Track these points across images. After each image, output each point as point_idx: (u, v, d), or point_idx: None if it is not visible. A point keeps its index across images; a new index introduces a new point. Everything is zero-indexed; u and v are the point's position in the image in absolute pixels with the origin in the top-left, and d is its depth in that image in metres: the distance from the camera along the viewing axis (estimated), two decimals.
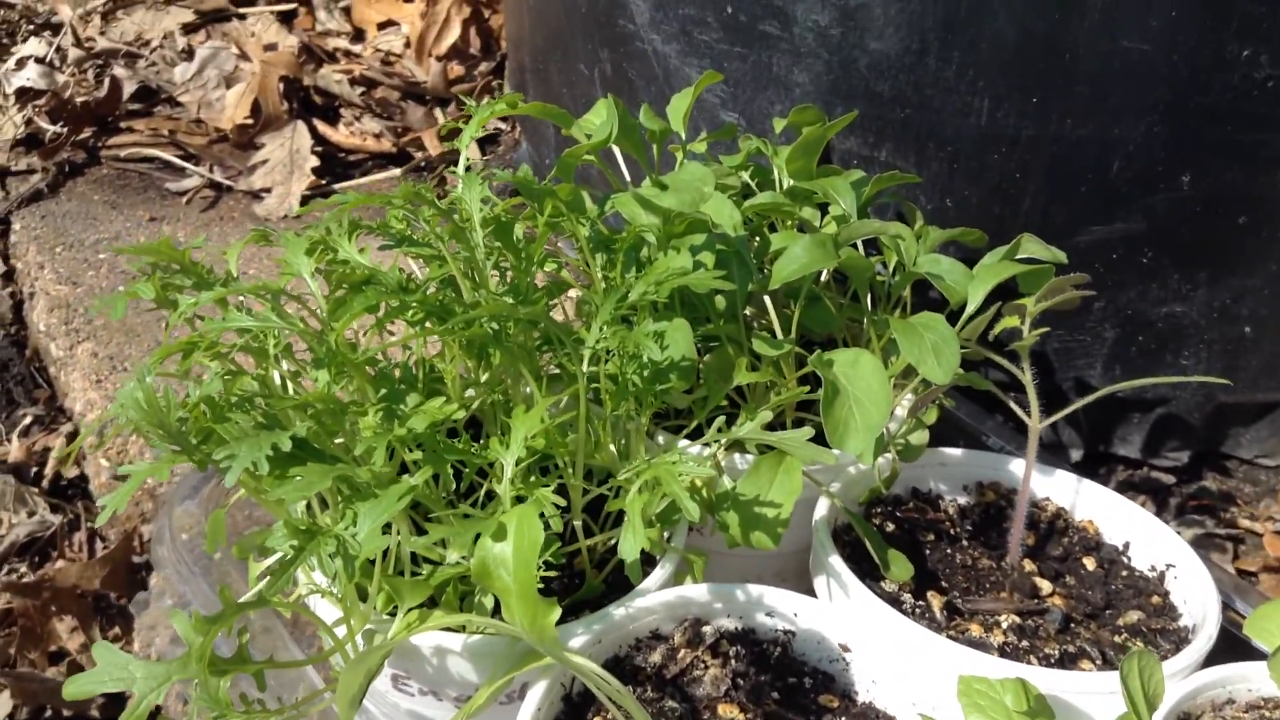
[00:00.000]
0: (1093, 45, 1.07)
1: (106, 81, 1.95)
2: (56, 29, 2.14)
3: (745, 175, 1.09)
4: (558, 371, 0.90)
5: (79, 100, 1.93)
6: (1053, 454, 1.17)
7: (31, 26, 2.16)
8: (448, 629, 0.76)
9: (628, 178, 1.12)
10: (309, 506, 0.82)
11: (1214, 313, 1.21)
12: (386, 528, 0.71)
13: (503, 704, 0.81)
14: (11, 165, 1.85)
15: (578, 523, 0.84)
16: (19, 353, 1.68)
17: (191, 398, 0.72)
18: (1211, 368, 1.25)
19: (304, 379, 0.85)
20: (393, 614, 0.75)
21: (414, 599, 0.73)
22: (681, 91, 1.13)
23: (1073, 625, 0.87)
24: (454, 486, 0.79)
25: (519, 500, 0.73)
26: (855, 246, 1.03)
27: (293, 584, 0.82)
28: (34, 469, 1.52)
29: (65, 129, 1.88)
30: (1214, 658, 0.83)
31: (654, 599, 0.82)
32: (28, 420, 1.60)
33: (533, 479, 0.78)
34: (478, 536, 0.66)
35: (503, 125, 2.01)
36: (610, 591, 0.85)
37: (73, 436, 1.54)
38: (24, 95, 1.94)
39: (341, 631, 0.75)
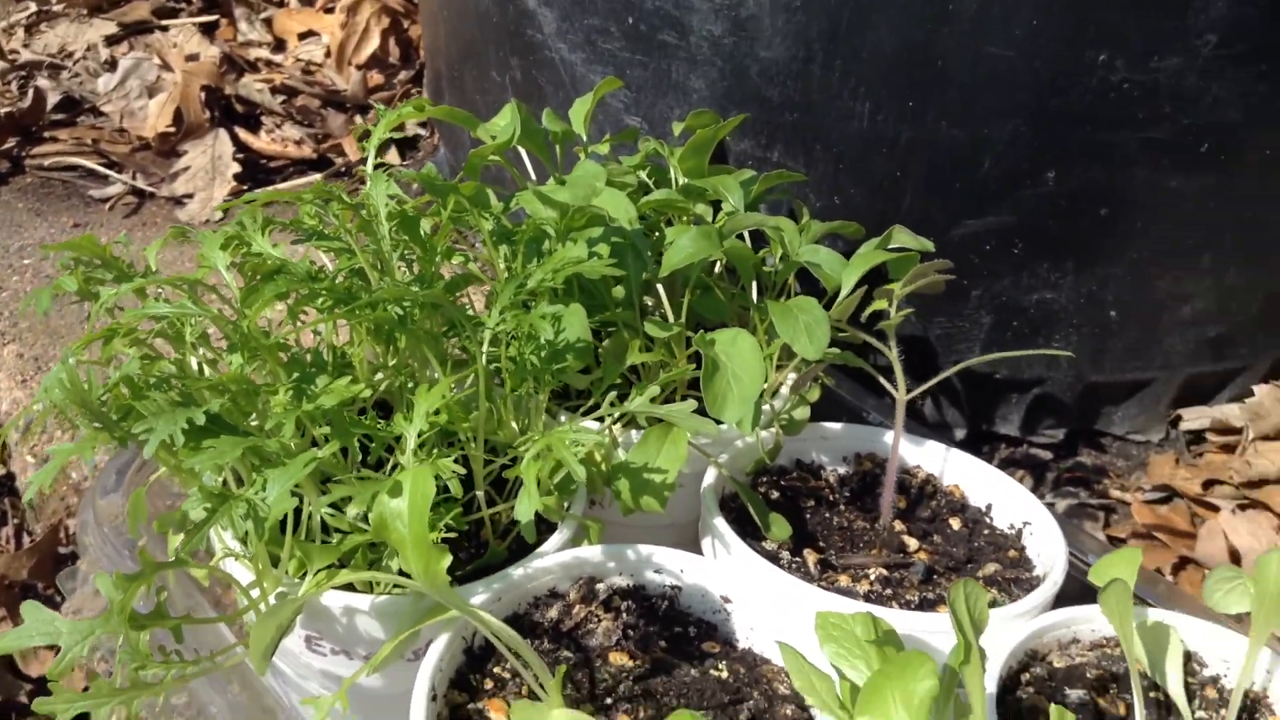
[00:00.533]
0: (962, 53, 1.16)
1: (31, 92, 1.98)
2: None
3: (643, 174, 1.17)
4: (465, 357, 0.97)
5: (3, 111, 1.96)
6: (939, 433, 1.25)
7: None
8: (356, 591, 0.82)
9: (534, 177, 1.19)
10: (225, 483, 0.87)
11: (1081, 299, 1.31)
12: (295, 493, 0.77)
13: (410, 660, 0.87)
14: None
15: (480, 493, 0.90)
16: None
17: (111, 380, 0.77)
18: (1081, 350, 1.34)
19: (220, 365, 0.91)
20: (304, 579, 0.81)
21: (322, 561, 0.80)
22: (584, 96, 1.20)
23: (935, 577, 0.95)
24: (360, 459, 0.85)
25: None
26: (743, 239, 1.11)
27: (210, 552, 0.88)
28: None
29: None
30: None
31: (551, 560, 0.88)
32: None
33: (436, 451, 0.84)
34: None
35: (423, 131, 2.06)
36: (513, 558, 0.91)
37: None
38: None
39: (256, 595, 0.81)
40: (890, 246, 1.06)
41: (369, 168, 0.98)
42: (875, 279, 1.03)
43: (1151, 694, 0.87)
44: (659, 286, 1.05)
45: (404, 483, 0.68)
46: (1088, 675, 0.88)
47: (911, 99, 1.19)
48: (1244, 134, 1.19)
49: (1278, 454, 1.32)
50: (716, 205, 1.15)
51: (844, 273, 1.01)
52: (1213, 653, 0.89)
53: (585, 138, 1.17)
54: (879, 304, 1.00)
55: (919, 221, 1.25)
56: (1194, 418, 1.41)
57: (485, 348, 0.87)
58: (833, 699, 0.69)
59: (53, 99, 2.03)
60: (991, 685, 0.81)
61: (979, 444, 1.46)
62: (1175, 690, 0.84)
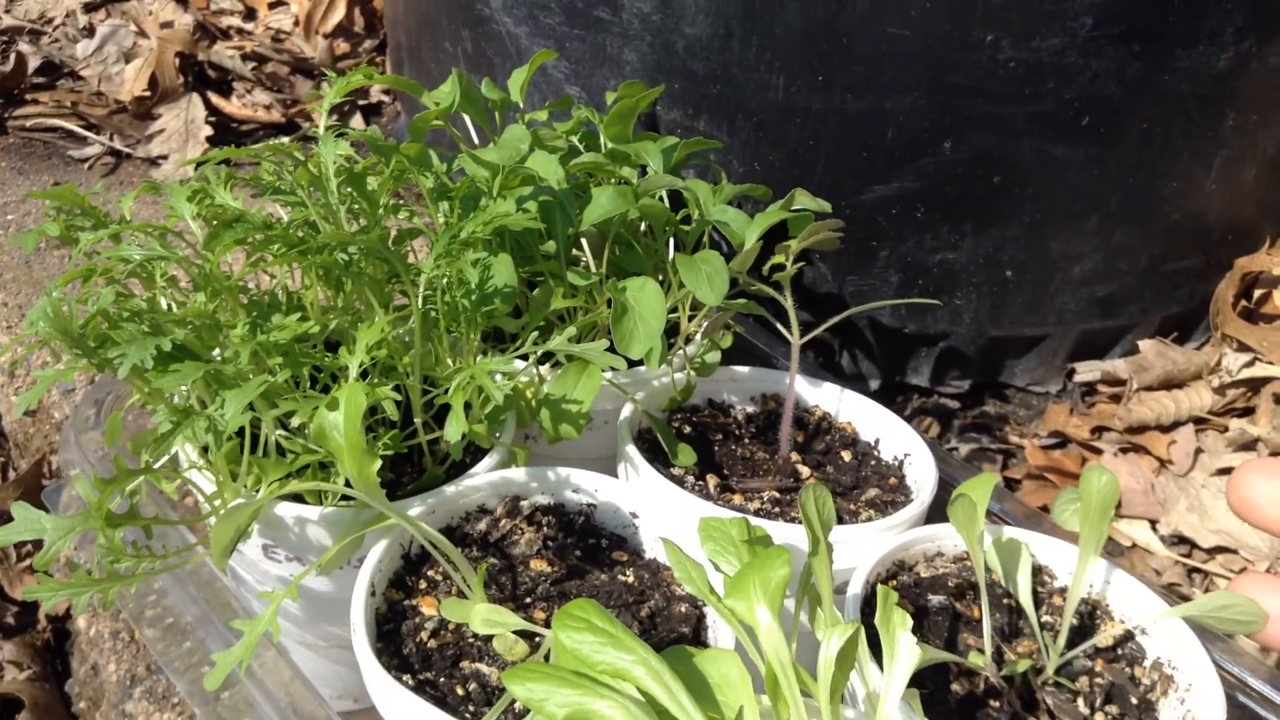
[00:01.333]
0: (864, 30, 1.27)
1: (12, 57, 2.07)
2: None
3: (575, 140, 1.28)
4: (407, 302, 1.08)
5: None
6: (854, 383, 1.37)
7: None
8: (307, 504, 0.94)
9: (477, 142, 1.30)
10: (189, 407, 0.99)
11: (980, 259, 1.43)
12: (252, 414, 0.89)
13: (355, 567, 0.99)
14: None
15: (419, 420, 1.02)
16: None
17: (90, 313, 0.88)
18: (981, 307, 1.47)
19: (187, 305, 1.02)
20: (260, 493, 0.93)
21: (276, 474, 0.91)
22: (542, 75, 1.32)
23: None
24: (308, 387, 0.97)
25: None
26: (662, 200, 1.23)
27: (179, 472, 1.00)
28: None
29: None
30: None
31: (481, 479, 1.00)
32: None
33: (375, 381, 0.96)
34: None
35: (386, 98, 2.17)
36: (449, 481, 1.03)
37: None
38: None
39: (219, 503, 0.93)
40: (793, 208, 1.18)
41: (320, 129, 1.09)
42: (782, 237, 1.15)
43: (1005, 601, 1.00)
44: (585, 242, 1.17)
45: (340, 398, 0.80)
46: (949, 584, 1.00)
47: (821, 73, 1.31)
48: (1122, 107, 1.31)
49: (1157, 403, 1.45)
50: (645, 170, 1.27)
51: (748, 230, 1.13)
52: (1060, 567, 1.01)
53: (522, 105, 1.28)
54: (778, 258, 1.12)
55: (831, 186, 1.37)
56: (1086, 370, 1.54)
57: (421, 291, 0.98)
58: (705, 585, 0.81)
59: (33, 63, 2.12)
60: (859, 588, 0.94)
61: (893, 394, 1.59)
62: (1024, 597, 0.96)
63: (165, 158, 1.93)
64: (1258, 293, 1.49)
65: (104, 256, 0.93)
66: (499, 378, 0.94)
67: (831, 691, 0.68)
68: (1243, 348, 1.44)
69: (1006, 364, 1.56)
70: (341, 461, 0.80)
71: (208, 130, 1.96)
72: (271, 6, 2.29)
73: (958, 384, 1.56)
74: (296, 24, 2.23)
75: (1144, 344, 1.49)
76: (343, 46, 2.21)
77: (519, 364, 1.10)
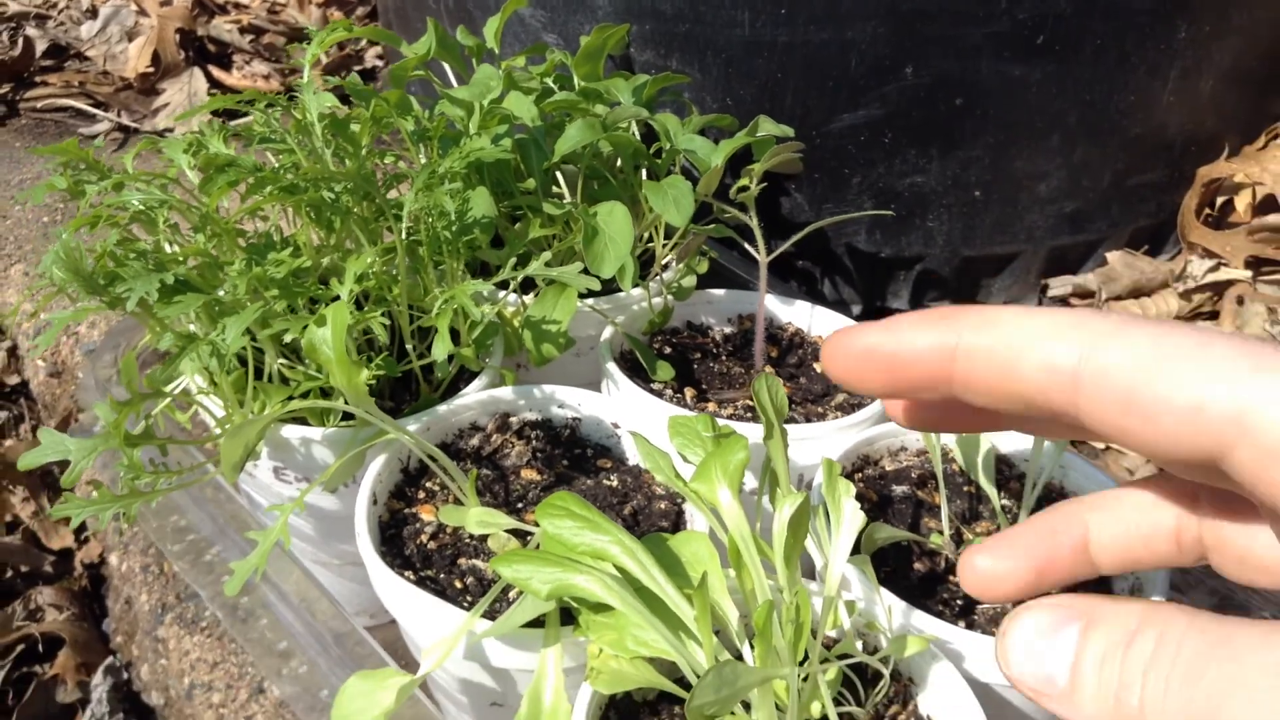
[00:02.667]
0: None
1: (20, 41, 2.16)
2: None
3: (550, 82, 1.34)
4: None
5: None
6: (838, 309, 1.42)
7: None
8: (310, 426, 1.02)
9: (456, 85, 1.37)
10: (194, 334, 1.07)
11: (948, 181, 1.48)
12: (252, 339, 0.96)
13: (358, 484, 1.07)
14: None
15: (410, 346, 1.09)
16: None
17: (99, 254, 0.96)
18: (953, 228, 1.52)
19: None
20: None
21: (279, 397, 0.99)
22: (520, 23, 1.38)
23: (793, 407, 1.15)
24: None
25: None
26: (633, 135, 1.29)
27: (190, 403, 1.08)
28: None
29: None
30: None
31: (471, 399, 1.07)
32: None
33: (366, 309, 1.03)
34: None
35: (379, 63, 2.24)
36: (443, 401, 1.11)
37: (11, 350, 1.77)
38: None
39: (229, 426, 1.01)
40: (757, 134, 1.24)
41: (304, 80, 1.16)
42: (747, 162, 1.21)
43: (966, 489, 1.07)
44: (560, 175, 1.24)
45: (327, 315, 0.87)
46: (912, 476, 1.07)
47: (784, 6, 1.36)
48: (1075, 24, 1.35)
49: (1125, 311, 1.51)
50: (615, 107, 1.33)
51: (712, 155, 1.19)
52: (1019, 456, 1.09)
53: (497, 51, 1.35)
54: (743, 180, 1.18)
55: (801, 116, 1.43)
56: (1059, 285, 1.60)
57: (405, 224, 1.06)
58: (672, 472, 0.88)
59: (41, 46, 2.20)
60: (822, 480, 1.01)
61: (875, 318, 1.65)
62: (985, 483, 1.03)
63: (171, 130, 2.01)
64: (1220, 200, 1.54)
65: (107, 202, 1.00)
66: (482, 302, 1.01)
67: (786, 555, 0.74)
68: (1208, 254, 1.49)
69: (983, 283, 1.62)
70: (331, 373, 0.87)
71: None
72: None
73: (937, 304, 1.62)
74: None
75: (1111, 255, 1.55)
76: (336, 15, 2.28)
77: (500, 292, 1.17)
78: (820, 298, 1.62)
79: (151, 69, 2.11)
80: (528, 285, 1.22)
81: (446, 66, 1.33)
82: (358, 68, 2.18)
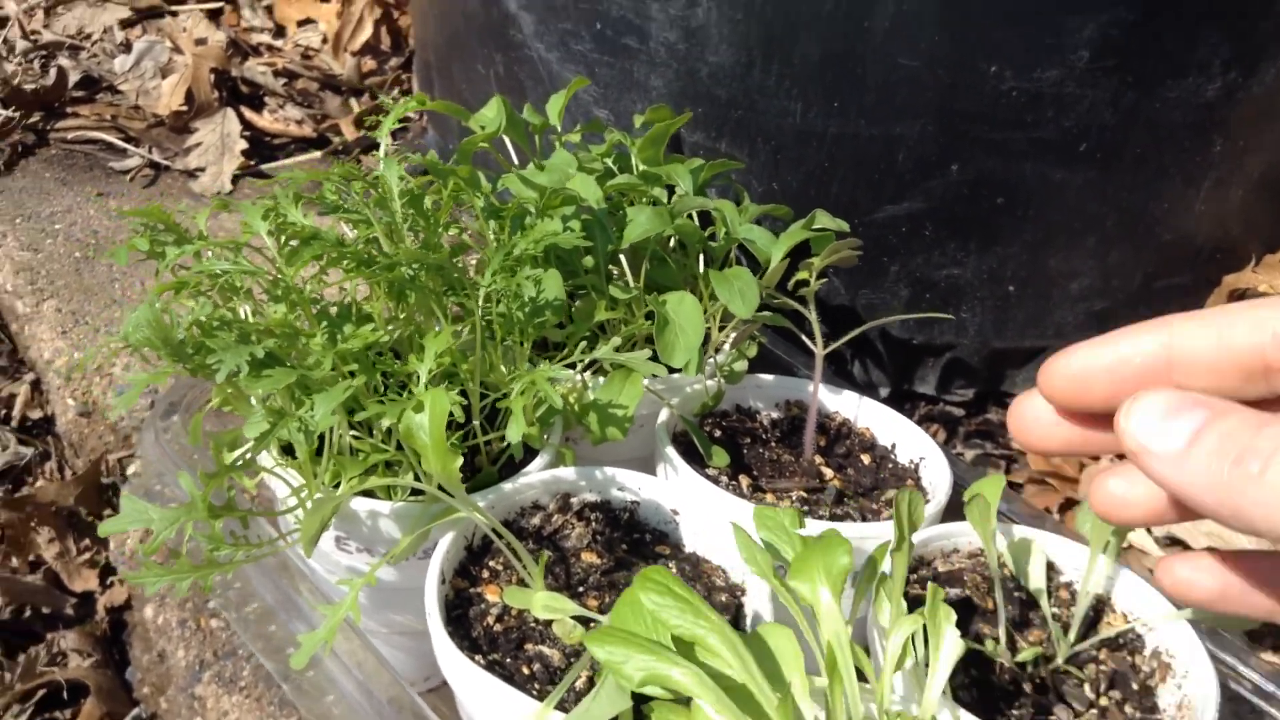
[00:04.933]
0: (877, 61, 1.37)
1: (53, 71, 2.16)
2: (2, 22, 2.33)
3: (609, 161, 1.37)
4: (460, 312, 1.17)
5: (27, 87, 2.14)
6: (866, 390, 1.46)
7: None
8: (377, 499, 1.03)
9: (515, 161, 1.40)
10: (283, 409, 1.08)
11: (984, 275, 1.52)
12: (333, 414, 0.97)
13: (420, 559, 1.08)
14: None
15: (476, 423, 1.11)
16: None
17: (187, 322, 0.97)
18: (985, 320, 1.56)
19: (259, 315, 1.11)
20: (337, 488, 1.01)
21: (353, 471, 1.00)
22: (559, 92, 1.41)
23: (845, 500, 1.17)
24: (382, 392, 1.06)
25: None
26: (691, 218, 1.32)
27: (257, 469, 1.09)
28: (2, 411, 1.74)
29: (17, 113, 2.09)
30: None
31: (534, 478, 1.09)
32: None
33: (442, 386, 1.05)
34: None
35: (412, 116, 2.26)
36: (503, 479, 1.12)
37: (35, 384, 1.76)
38: None
39: (304, 495, 1.02)
40: (814, 227, 1.27)
41: (381, 154, 1.18)
42: (802, 254, 1.24)
43: (1016, 593, 1.09)
44: (622, 257, 1.26)
45: (425, 401, 0.89)
46: (964, 578, 1.09)
47: (836, 100, 1.40)
48: (1117, 134, 1.40)
49: None
50: (671, 189, 1.36)
51: (773, 248, 1.22)
52: (1068, 564, 1.09)
53: (559, 128, 1.37)
54: (802, 274, 1.21)
55: (846, 206, 1.46)
56: None
57: (480, 304, 1.07)
58: (769, 568, 0.89)
59: (73, 77, 2.21)
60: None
61: (901, 401, 1.68)
62: (1036, 587, 1.05)
63: (203, 170, 2.02)
64: None
65: (196, 267, 1.01)
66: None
67: (888, 677, 0.76)
68: None
69: (1009, 374, 1.66)
70: (426, 459, 0.89)
71: (243, 144, 2.05)
72: (300, 24, 2.37)
73: (963, 392, 1.65)
74: (324, 41, 2.32)
75: None
76: (369, 64, 2.30)
77: (566, 371, 1.19)
78: (849, 378, 1.65)
79: (185, 107, 2.12)
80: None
81: (507, 139, 1.36)
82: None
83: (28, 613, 1.52)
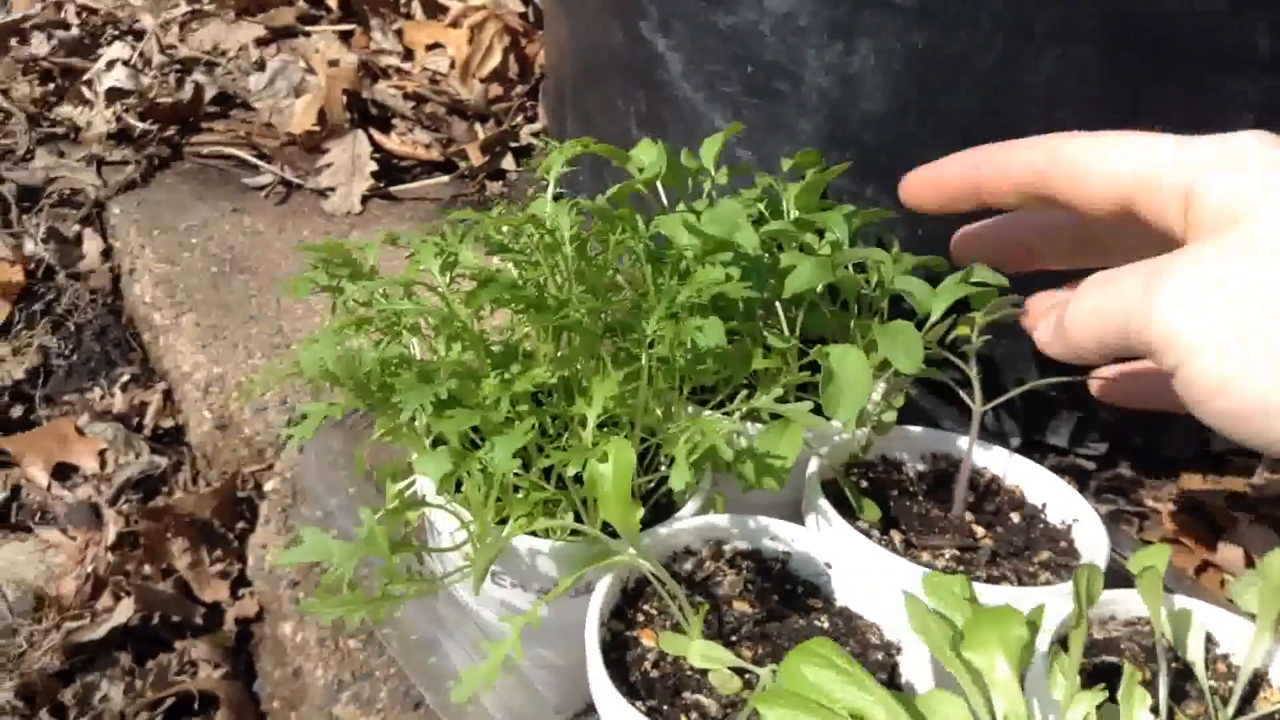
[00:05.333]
0: (1032, 116, 1.35)
1: (189, 86, 2.22)
2: (138, 35, 2.40)
3: (760, 206, 1.37)
4: (614, 353, 1.18)
5: (163, 101, 2.20)
6: (997, 440, 1.44)
7: (115, 32, 2.42)
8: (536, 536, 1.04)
9: (665, 202, 1.41)
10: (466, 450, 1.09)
11: None
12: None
13: (572, 597, 1.09)
14: (106, 156, 2.11)
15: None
16: (116, 320, 1.94)
17: (373, 359, 0.99)
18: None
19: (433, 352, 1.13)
20: (499, 524, 1.03)
21: (520, 510, 1.02)
22: (711, 135, 1.41)
23: (998, 559, 1.16)
24: (550, 433, 1.07)
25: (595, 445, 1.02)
26: (846, 267, 1.32)
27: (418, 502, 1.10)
28: (135, 419, 1.78)
29: (154, 126, 2.15)
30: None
31: (688, 523, 1.09)
32: (125, 378, 1.86)
33: (605, 430, 1.06)
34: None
35: (535, 141, 2.29)
36: (652, 521, 1.13)
37: (166, 394, 1.80)
38: (113, 95, 2.20)
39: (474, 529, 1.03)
40: (972, 280, 1.26)
41: (549, 195, 1.20)
42: (955, 306, 1.24)
43: (1173, 664, 1.07)
44: (777, 304, 1.26)
45: (609, 451, 0.90)
46: (1121, 646, 1.08)
47: None
48: None
49: None
50: (819, 233, 1.36)
51: (934, 302, 1.21)
52: (1226, 635, 1.07)
53: (714, 173, 1.38)
54: (962, 330, 1.21)
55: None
56: (1221, 442, 1.60)
57: (646, 350, 1.08)
58: (944, 639, 0.88)
59: (209, 93, 2.26)
60: (1044, 647, 1.02)
61: (1031, 452, 1.65)
62: (1194, 659, 1.04)
63: (334, 190, 2.06)
64: None
65: (379, 305, 1.03)
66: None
67: None
68: None
69: (1142, 429, 1.63)
70: (608, 509, 0.90)
71: (372, 165, 2.09)
72: (429, 49, 2.41)
73: (1095, 446, 1.63)
74: (452, 66, 2.35)
75: None
76: (496, 90, 2.33)
77: (718, 416, 1.19)
78: (981, 426, 1.63)
79: (317, 127, 2.16)
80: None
81: (659, 183, 1.37)
82: (513, 144, 2.23)
83: (155, 620, 1.55)
